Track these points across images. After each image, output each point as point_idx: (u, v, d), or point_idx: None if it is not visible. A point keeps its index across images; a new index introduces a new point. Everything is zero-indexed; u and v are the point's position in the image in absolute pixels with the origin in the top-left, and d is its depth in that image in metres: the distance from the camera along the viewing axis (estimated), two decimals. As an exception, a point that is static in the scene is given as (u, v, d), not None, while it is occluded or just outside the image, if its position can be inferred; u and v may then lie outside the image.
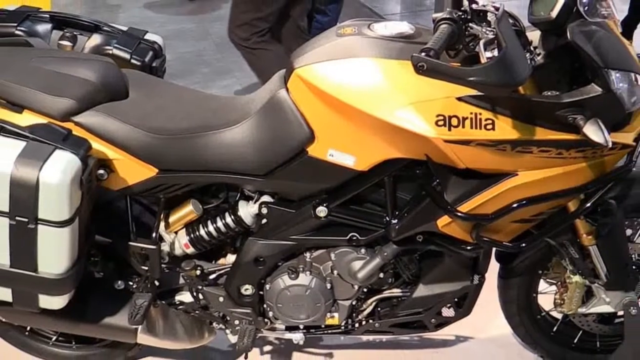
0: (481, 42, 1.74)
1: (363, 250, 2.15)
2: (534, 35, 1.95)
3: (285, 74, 2.03)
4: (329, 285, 2.22)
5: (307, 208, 2.08)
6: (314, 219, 2.08)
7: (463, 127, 1.82)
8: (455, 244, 2.08)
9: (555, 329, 2.50)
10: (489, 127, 1.82)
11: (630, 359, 2.30)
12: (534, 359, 2.62)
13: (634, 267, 2.27)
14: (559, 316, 2.48)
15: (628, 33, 4.48)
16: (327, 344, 2.68)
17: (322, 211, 2.06)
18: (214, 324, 2.39)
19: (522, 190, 1.93)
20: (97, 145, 2.04)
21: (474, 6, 1.85)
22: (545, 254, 2.29)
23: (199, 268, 2.22)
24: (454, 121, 1.82)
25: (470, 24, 1.84)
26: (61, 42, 2.38)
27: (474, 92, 1.76)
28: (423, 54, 1.63)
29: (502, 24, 1.72)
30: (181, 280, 2.30)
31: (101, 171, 2.07)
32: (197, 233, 2.19)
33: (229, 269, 2.24)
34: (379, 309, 2.32)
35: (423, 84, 1.79)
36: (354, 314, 2.33)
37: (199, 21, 5.97)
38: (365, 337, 2.68)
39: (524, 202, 1.95)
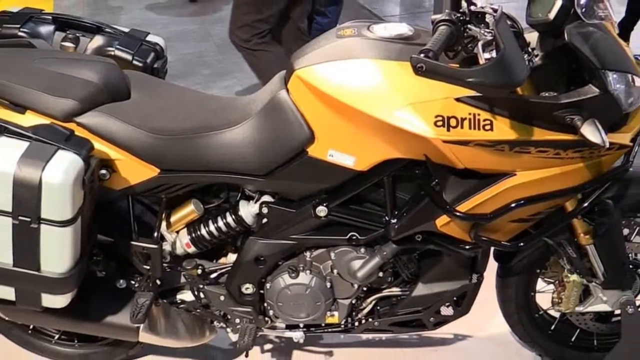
0: (479, 44, 1.75)
1: (363, 250, 2.16)
2: (532, 37, 1.96)
3: (285, 75, 2.04)
4: (328, 284, 2.23)
5: (307, 208, 2.09)
6: (314, 219, 2.09)
7: (462, 127, 1.83)
8: (454, 243, 2.09)
9: (553, 327, 2.51)
10: (488, 127, 1.83)
11: (627, 357, 2.31)
12: (532, 357, 2.63)
13: (630, 266, 2.27)
14: (557, 315, 2.48)
15: (625, 34, 4.50)
16: (327, 343, 2.69)
17: (322, 211, 2.07)
18: (215, 323, 2.40)
19: (520, 190, 1.94)
20: (100, 145, 2.05)
21: (472, 8, 1.86)
22: (543, 253, 2.29)
23: (200, 267, 2.24)
24: (453, 122, 1.83)
25: (468, 26, 1.84)
26: (64, 43, 2.40)
27: (472, 93, 1.77)
28: (422, 55, 1.64)
29: (500, 25, 1.73)
30: (182, 279, 2.31)
31: (103, 171, 2.07)
32: (199, 232, 2.20)
33: (229, 268, 2.25)
34: (378, 307, 2.33)
35: (422, 85, 1.79)
36: (353, 313, 2.34)
37: (200, 23, 5.97)
38: (364, 336, 2.69)
39: (522, 201, 1.96)
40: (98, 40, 2.44)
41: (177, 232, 2.23)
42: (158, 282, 2.28)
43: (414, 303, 2.27)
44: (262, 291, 2.27)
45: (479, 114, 1.83)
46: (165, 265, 2.26)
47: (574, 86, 1.86)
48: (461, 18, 1.83)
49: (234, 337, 2.37)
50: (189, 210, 2.19)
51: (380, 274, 2.22)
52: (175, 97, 2.23)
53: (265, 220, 2.14)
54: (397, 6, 6.56)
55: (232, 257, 2.27)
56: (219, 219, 2.19)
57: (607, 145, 1.74)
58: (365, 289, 2.28)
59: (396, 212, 2.07)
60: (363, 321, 2.34)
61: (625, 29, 4.62)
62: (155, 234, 2.19)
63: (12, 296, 2.08)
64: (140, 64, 2.40)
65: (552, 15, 1.81)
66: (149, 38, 2.52)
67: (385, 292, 2.29)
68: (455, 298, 2.29)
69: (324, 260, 2.22)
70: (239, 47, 3.83)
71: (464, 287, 2.25)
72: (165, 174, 2.09)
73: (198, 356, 2.63)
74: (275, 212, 2.12)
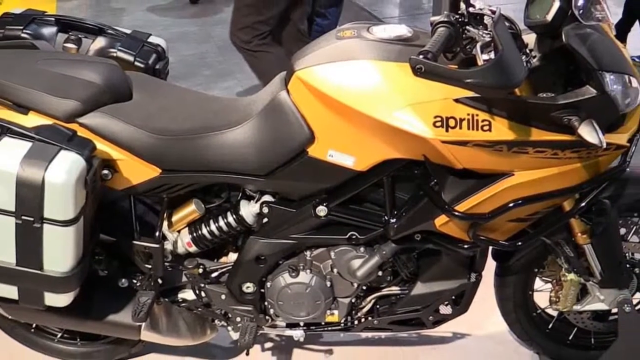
0: (478, 45, 1.77)
1: (362, 249, 2.17)
2: (530, 38, 1.97)
3: (285, 76, 2.05)
4: (328, 283, 2.24)
5: (307, 207, 2.10)
6: (314, 218, 2.10)
7: (460, 128, 1.84)
8: (452, 242, 2.10)
9: (550, 326, 2.51)
10: (486, 128, 1.84)
11: (623, 355, 2.32)
12: (530, 356, 2.64)
13: (627, 265, 2.28)
14: (555, 313, 2.49)
15: (622, 36, 4.53)
16: (327, 341, 2.70)
17: (322, 210, 2.08)
18: (216, 321, 2.41)
19: (518, 190, 1.95)
20: (102, 145, 2.06)
21: (471, 10, 1.87)
22: (540, 253, 2.30)
23: (201, 266, 2.24)
24: (452, 122, 1.84)
25: (467, 27, 1.85)
26: (66, 44, 2.40)
27: (471, 93, 1.78)
28: (421, 56, 1.65)
29: (499, 27, 1.74)
30: (184, 278, 2.32)
31: (105, 171, 2.08)
32: (200, 232, 2.21)
33: (230, 267, 2.26)
34: (377, 306, 2.34)
35: (421, 86, 1.80)
36: (353, 312, 2.34)
37: (201, 24, 5.98)
38: (364, 334, 2.69)
39: (520, 201, 1.96)
40: (100, 42, 2.45)
41: (179, 231, 2.24)
42: (160, 281, 2.28)
43: (413, 302, 2.27)
44: (262, 290, 2.28)
45: (477, 115, 1.84)
46: (166, 264, 2.27)
47: (571, 87, 1.86)
48: (460, 20, 1.84)
49: (235, 336, 2.38)
50: (190, 210, 2.20)
51: (380, 273, 2.23)
52: (177, 98, 2.24)
53: (265, 219, 2.15)
54: (396, 8, 6.57)
55: (233, 257, 2.28)
56: (220, 218, 2.20)
57: (605, 145, 1.75)
58: (364, 287, 2.29)
59: (395, 212, 2.08)
60: (363, 320, 2.35)
61: (622, 30, 4.64)
62: (157, 234, 2.20)
63: (15, 295, 2.08)
64: (142, 65, 2.41)
65: (549, 17, 1.83)
66: (151, 39, 2.53)
67: (385, 291, 2.30)
68: (454, 297, 2.30)
69: (324, 260, 2.23)
70: (240, 48, 3.84)
71: (463, 286, 2.25)
72: (167, 174, 2.10)
73: (199, 354, 2.64)
74: (275, 211, 2.13)
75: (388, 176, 2.04)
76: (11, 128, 1.99)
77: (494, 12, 1.84)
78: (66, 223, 1.95)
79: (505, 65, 1.64)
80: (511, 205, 1.97)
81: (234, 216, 2.18)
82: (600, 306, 2.32)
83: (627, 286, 2.28)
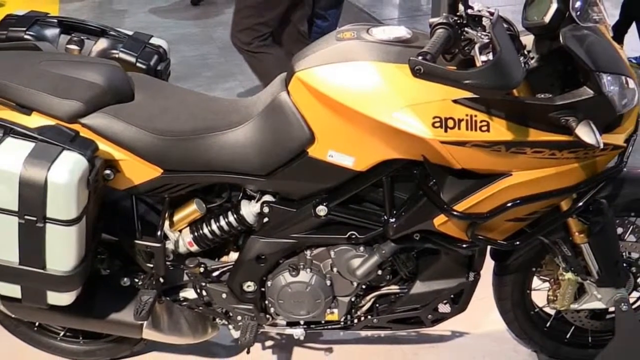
0: (476, 46, 1.78)
1: (362, 248, 2.18)
2: (528, 40, 1.97)
3: (286, 77, 2.06)
4: (328, 282, 2.25)
5: (307, 207, 2.11)
6: (314, 218, 2.11)
7: (459, 128, 1.85)
8: (451, 242, 2.11)
9: (548, 324, 2.52)
10: (484, 128, 1.85)
11: (620, 354, 2.33)
12: (527, 354, 2.65)
13: (624, 264, 2.29)
14: (552, 312, 2.50)
15: (619, 37, 4.54)
16: (327, 340, 2.70)
17: (322, 210, 2.09)
18: (217, 320, 2.42)
19: (516, 189, 1.95)
20: (104, 146, 2.06)
21: (469, 11, 1.88)
22: (538, 252, 2.31)
23: (202, 265, 2.25)
24: (450, 123, 1.84)
25: (465, 29, 1.86)
26: (69, 46, 2.40)
27: (469, 94, 1.79)
28: (420, 57, 1.66)
29: (497, 28, 1.75)
30: (185, 278, 2.32)
31: (107, 171, 2.09)
32: (201, 231, 2.22)
33: (231, 266, 2.27)
34: (377, 305, 2.35)
35: (420, 87, 1.81)
36: (353, 310, 2.35)
37: (202, 26, 5.99)
38: (364, 333, 2.70)
39: (518, 201, 1.97)
40: (102, 43, 2.45)
41: (180, 231, 2.25)
42: (161, 280, 2.29)
43: (412, 300, 2.28)
44: (263, 289, 2.29)
45: (476, 115, 1.85)
46: (168, 263, 2.27)
47: (569, 88, 1.87)
48: (458, 21, 1.85)
49: (236, 334, 2.39)
50: (192, 210, 2.21)
51: (379, 272, 2.24)
52: (178, 98, 2.24)
53: (266, 219, 2.15)
54: (395, 9, 6.59)
55: (233, 256, 2.29)
56: (221, 218, 2.20)
57: (602, 146, 1.76)
58: (364, 286, 2.30)
59: (395, 212, 2.09)
60: (362, 318, 2.36)
61: (619, 32, 4.66)
62: (159, 233, 2.21)
63: (18, 294, 2.09)
64: (144, 66, 2.41)
65: (547, 19, 1.83)
66: (153, 41, 2.52)
67: (384, 290, 2.31)
68: (452, 296, 2.30)
69: (324, 259, 2.23)
70: (241, 49, 3.85)
71: (461, 285, 2.26)
72: (168, 174, 2.11)
73: (200, 353, 2.65)
74: (276, 211, 2.14)
75: (387, 176, 2.05)
76: (14, 128, 2.00)
77: (492, 14, 1.85)
78: (69, 223, 1.95)
79: (504, 67, 1.65)
80: (509, 205, 1.98)
81: (235, 216, 2.19)
82: (598, 305, 2.33)
83: (623, 285, 2.29)
